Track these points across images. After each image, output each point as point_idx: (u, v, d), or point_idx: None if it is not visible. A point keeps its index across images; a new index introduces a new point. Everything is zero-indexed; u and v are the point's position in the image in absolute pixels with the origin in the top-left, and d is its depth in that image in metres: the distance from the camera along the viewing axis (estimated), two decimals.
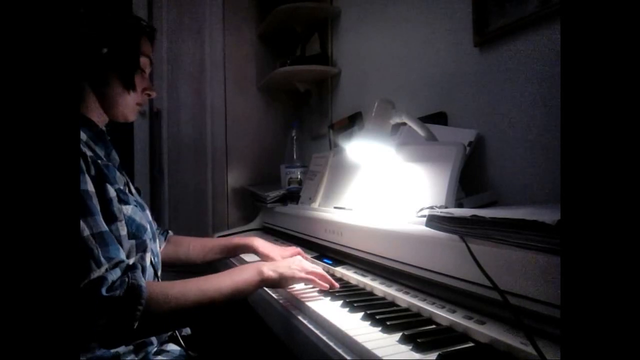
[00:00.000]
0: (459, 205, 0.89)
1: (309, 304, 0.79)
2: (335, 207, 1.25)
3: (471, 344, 0.57)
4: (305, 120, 2.18)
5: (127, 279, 0.65)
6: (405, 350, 0.57)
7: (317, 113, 2.06)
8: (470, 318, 0.62)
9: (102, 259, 0.65)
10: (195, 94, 2.11)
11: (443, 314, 0.65)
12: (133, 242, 0.79)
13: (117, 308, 0.63)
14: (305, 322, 0.74)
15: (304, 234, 1.36)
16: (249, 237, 1.25)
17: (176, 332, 0.91)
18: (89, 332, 0.63)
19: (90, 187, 0.72)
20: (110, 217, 0.75)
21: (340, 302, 0.78)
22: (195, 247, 1.16)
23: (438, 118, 1.21)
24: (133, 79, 0.88)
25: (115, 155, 0.88)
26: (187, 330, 0.97)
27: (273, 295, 0.91)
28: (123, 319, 0.64)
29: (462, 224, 0.64)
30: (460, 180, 0.90)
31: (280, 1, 1.88)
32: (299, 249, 1.22)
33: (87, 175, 0.72)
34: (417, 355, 0.55)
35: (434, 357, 0.53)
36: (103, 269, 0.65)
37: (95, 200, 0.72)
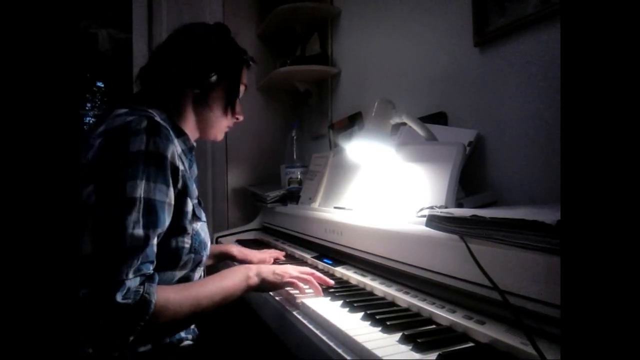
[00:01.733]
0: (459, 205, 0.89)
1: (309, 304, 0.79)
2: (335, 207, 1.25)
3: (471, 344, 0.58)
4: (305, 120, 2.18)
5: (141, 291, 0.66)
6: (405, 350, 0.57)
7: (317, 113, 2.06)
8: (470, 318, 0.62)
9: (131, 271, 0.66)
10: None
11: (443, 314, 0.65)
12: (192, 256, 0.81)
13: (123, 316, 0.64)
14: (305, 322, 0.74)
15: (304, 234, 1.36)
16: (226, 244, 1.32)
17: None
18: (88, 331, 0.63)
19: (169, 199, 0.73)
20: (181, 230, 0.78)
21: (340, 302, 0.78)
22: None
23: (438, 118, 1.21)
24: (234, 106, 0.96)
25: (195, 169, 0.94)
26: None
27: (273, 295, 0.91)
28: (123, 329, 0.64)
29: (462, 224, 0.64)
30: (460, 180, 0.90)
31: (280, 1, 1.88)
32: (276, 251, 1.29)
33: (171, 188, 0.73)
34: (417, 355, 0.55)
35: (434, 357, 0.53)
36: (127, 276, 0.65)
37: (166, 213, 0.73)
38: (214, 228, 2.05)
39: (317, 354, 0.66)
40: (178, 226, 0.77)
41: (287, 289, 0.87)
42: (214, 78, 0.89)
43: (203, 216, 0.87)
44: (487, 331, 0.57)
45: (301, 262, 1.21)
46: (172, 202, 0.74)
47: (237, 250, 1.25)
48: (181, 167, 0.77)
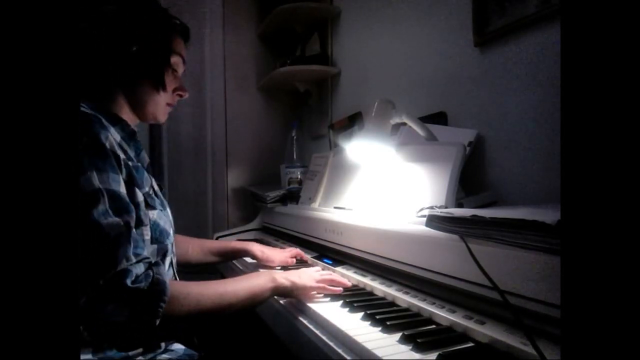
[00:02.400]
0: (459, 205, 0.89)
1: (309, 304, 0.79)
2: (335, 207, 1.25)
3: (471, 344, 0.58)
4: (305, 120, 2.18)
5: (151, 273, 0.65)
6: (405, 350, 0.57)
7: (317, 113, 2.06)
8: (470, 318, 0.62)
9: (131, 255, 0.65)
10: (195, 94, 2.11)
11: (443, 314, 0.65)
12: (155, 246, 0.78)
13: (141, 300, 0.63)
14: (305, 322, 0.74)
15: (304, 234, 1.36)
16: (247, 242, 1.27)
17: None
18: (111, 325, 0.62)
19: (123, 189, 0.70)
20: (137, 222, 0.73)
21: (340, 302, 0.78)
22: (194, 248, 1.16)
23: (438, 118, 1.21)
24: (163, 78, 0.85)
25: (144, 156, 0.86)
26: None
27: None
28: (146, 313, 0.63)
29: (462, 224, 0.64)
30: (460, 180, 0.90)
31: (280, 1, 1.88)
32: (297, 250, 1.23)
33: (120, 176, 0.70)
34: (417, 355, 0.55)
35: (434, 357, 0.53)
36: (129, 263, 0.64)
37: (128, 199, 0.71)
38: (213, 228, 2.05)
39: (316, 353, 0.66)
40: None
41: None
42: (134, 48, 0.79)
43: (159, 204, 0.82)
44: (487, 331, 0.57)
45: (302, 262, 1.21)
46: (125, 192, 0.71)
47: (258, 249, 1.19)
48: (122, 156, 0.73)
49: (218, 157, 2.11)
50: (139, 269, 0.65)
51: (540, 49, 0.93)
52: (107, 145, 0.69)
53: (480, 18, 1.07)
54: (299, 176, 1.76)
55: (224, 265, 1.39)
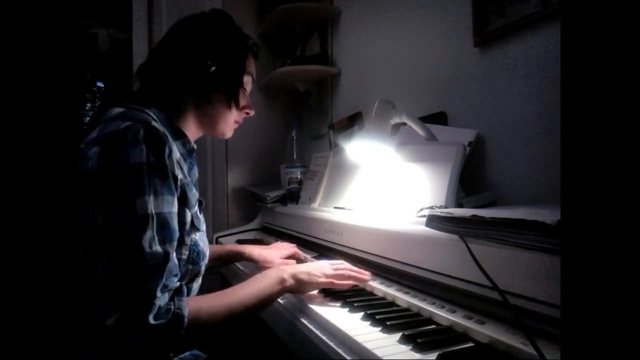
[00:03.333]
0: (459, 205, 0.89)
1: (309, 303, 0.79)
2: (335, 207, 1.25)
3: (471, 344, 0.57)
4: (305, 120, 2.18)
5: (172, 307, 0.65)
6: (405, 350, 0.57)
7: (317, 113, 2.06)
8: (470, 318, 0.62)
9: (159, 290, 0.64)
10: None
11: (443, 314, 0.65)
12: (189, 267, 0.78)
13: (159, 336, 0.63)
14: (305, 322, 0.74)
15: (304, 234, 1.36)
16: (243, 245, 1.27)
17: None
18: (125, 348, 0.62)
19: (176, 208, 0.71)
20: (179, 241, 0.74)
21: (340, 302, 0.78)
22: None
23: (438, 118, 1.21)
24: (238, 97, 0.87)
25: (195, 172, 0.87)
26: None
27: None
28: (162, 346, 0.64)
29: (462, 224, 0.64)
30: (460, 180, 0.90)
31: (280, 1, 1.88)
32: (294, 246, 1.24)
33: (175, 198, 0.71)
34: (417, 355, 0.55)
35: (434, 357, 0.53)
36: (156, 297, 0.64)
37: (176, 222, 0.71)
38: (213, 228, 2.05)
39: (316, 353, 0.66)
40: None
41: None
42: (212, 69, 0.82)
43: (202, 226, 0.84)
44: (487, 331, 0.57)
45: (302, 262, 1.21)
46: (176, 211, 0.72)
47: (256, 252, 1.18)
48: (180, 176, 0.73)
49: (218, 157, 2.11)
50: (163, 300, 0.65)
51: (540, 49, 0.93)
52: (169, 164, 0.69)
53: (480, 18, 1.07)
54: (299, 176, 1.76)
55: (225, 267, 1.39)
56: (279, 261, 1.17)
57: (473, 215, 0.61)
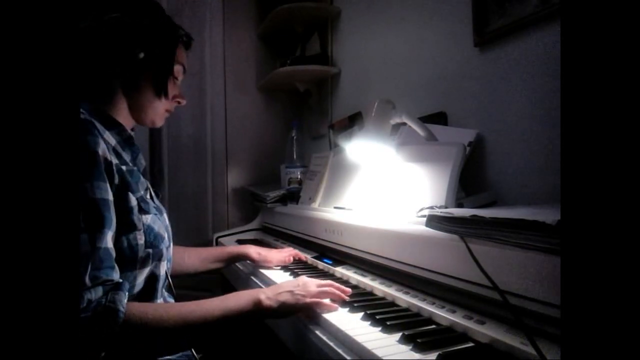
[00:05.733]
0: (459, 205, 0.89)
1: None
2: (335, 207, 1.25)
3: (471, 344, 0.58)
4: (305, 120, 2.18)
5: (103, 301, 0.61)
6: (405, 350, 0.57)
7: (317, 113, 2.06)
8: (470, 318, 0.62)
9: (87, 279, 0.61)
10: (195, 94, 2.11)
11: (443, 314, 0.65)
12: (150, 250, 0.77)
13: (85, 329, 0.59)
14: (304, 321, 0.74)
15: (304, 234, 1.36)
16: (243, 245, 1.27)
17: None
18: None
19: (110, 196, 0.69)
20: (130, 227, 0.74)
21: (340, 302, 0.78)
22: (190, 256, 1.14)
23: (438, 118, 1.21)
24: (166, 85, 0.87)
25: (141, 159, 0.87)
26: None
27: None
28: (89, 341, 0.60)
29: (462, 224, 0.64)
30: (460, 180, 0.90)
31: (280, 1, 1.88)
32: (295, 250, 1.24)
33: (108, 184, 0.69)
34: (417, 355, 0.55)
35: (434, 357, 0.53)
36: (82, 289, 0.61)
37: (112, 211, 0.69)
38: (213, 228, 2.05)
39: (316, 353, 0.66)
40: (125, 223, 0.73)
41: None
42: (141, 55, 0.80)
43: (154, 209, 0.81)
44: (487, 331, 0.57)
45: (302, 262, 1.21)
46: (112, 199, 0.70)
47: (254, 251, 1.18)
48: (115, 161, 0.72)
49: (218, 157, 2.11)
50: (94, 294, 0.62)
51: (540, 49, 0.93)
52: (100, 152, 0.68)
53: (480, 18, 1.07)
54: (299, 176, 1.76)
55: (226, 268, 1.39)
56: (277, 262, 1.18)
57: (473, 215, 0.61)
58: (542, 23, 0.92)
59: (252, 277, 1.14)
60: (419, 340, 0.57)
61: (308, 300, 0.74)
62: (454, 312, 0.65)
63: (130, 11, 0.82)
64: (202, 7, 2.10)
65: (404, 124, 1.10)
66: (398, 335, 0.60)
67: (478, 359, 0.55)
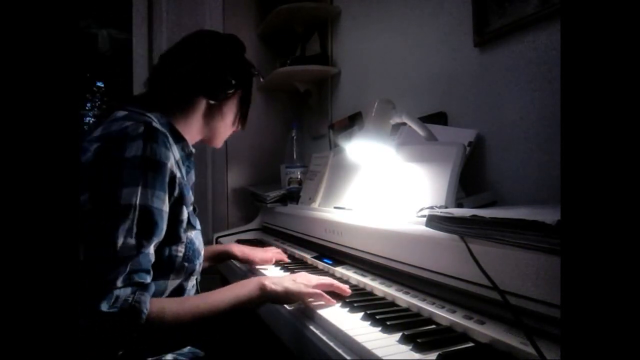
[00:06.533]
0: (459, 205, 0.89)
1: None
2: (335, 207, 1.25)
3: (471, 344, 0.58)
4: (305, 120, 2.18)
5: (130, 299, 0.64)
6: (405, 350, 0.57)
7: (317, 113, 2.06)
8: (470, 318, 0.62)
9: (120, 280, 0.64)
10: None
11: (443, 314, 0.65)
12: (186, 264, 0.79)
13: (109, 325, 0.62)
14: (305, 321, 0.74)
15: (304, 234, 1.36)
16: (227, 244, 1.29)
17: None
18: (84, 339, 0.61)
19: (166, 207, 0.72)
20: (175, 238, 0.76)
21: (340, 302, 0.78)
22: None
23: (438, 118, 1.21)
24: (246, 118, 0.98)
25: (192, 176, 0.91)
26: None
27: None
28: (111, 338, 0.63)
29: (462, 224, 0.64)
30: (460, 180, 0.90)
31: (280, 1, 1.88)
32: (279, 251, 1.26)
33: (167, 195, 0.72)
34: (417, 355, 0.55)
35: (434, 357, 0.53)
36: (115, 285, 0.63)
37: (164, 221, 0.72)
38: (213, 228, 2.05)
39: (316, 353, 0.66)
40: (172, 235, 0.76)
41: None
42: (233, 82, 0.89)
43: (198, 224, 0.85)
44: (487, 331, 0.57)
45: (302, 262, 1.21)
46: (168, 210, 0.73)
47: (237, 249, 1.22)
48: (178, 175, 0.75)
49: (218, 157, 2.11)
50: (124, 292, 0.64)
51: (540, 49, 0.93)
52: (169, 165, 0.72)
53: (480, 18, 1.07)
54: (299, 176, 1.76)
55: (224, 265, 1.39)
56: (259, 260, 1.20)
57: (473, 215, 0.61)
58: (542, 23, 0.92)
59: (251, 275, 1.14)
60: (419, 340, 0.57)
61: (310, 290, 0.78)
62: (454, 312, 0.65)
63: (222, 41, 0.92)
64: (202, 7, 2.10)
65: (404, 124, 1.10)
66: (398, 335, 0.60)
67: (478, 359, 0.55)
